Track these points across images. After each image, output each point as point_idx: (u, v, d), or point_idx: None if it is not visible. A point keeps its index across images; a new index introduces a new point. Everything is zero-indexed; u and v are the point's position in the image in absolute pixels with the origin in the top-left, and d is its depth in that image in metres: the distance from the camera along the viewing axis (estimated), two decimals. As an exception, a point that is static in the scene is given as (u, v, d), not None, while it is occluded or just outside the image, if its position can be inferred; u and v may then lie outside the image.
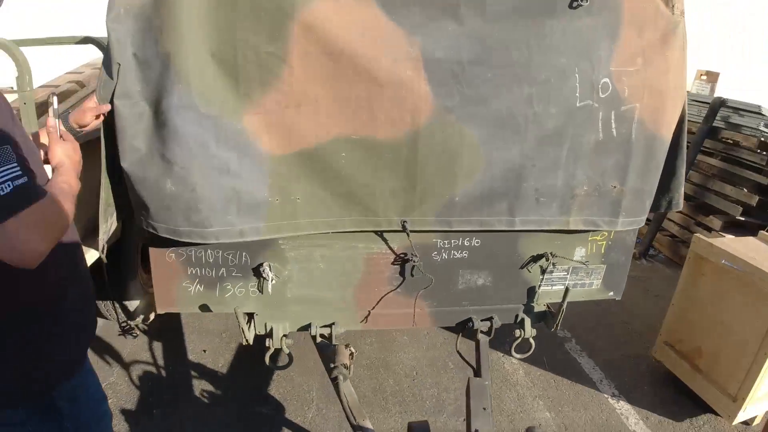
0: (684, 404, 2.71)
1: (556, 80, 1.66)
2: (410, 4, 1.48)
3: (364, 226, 1.67)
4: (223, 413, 2.37)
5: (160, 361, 2.70)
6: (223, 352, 2.81)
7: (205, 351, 2.82)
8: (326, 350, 2.03)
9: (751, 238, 2.88)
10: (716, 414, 2.62)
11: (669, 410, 2.66)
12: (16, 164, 0.93)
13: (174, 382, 2.58)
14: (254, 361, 2.69)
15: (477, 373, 2.00)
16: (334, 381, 1.88)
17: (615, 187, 1.88)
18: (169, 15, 1.36)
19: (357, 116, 1.50)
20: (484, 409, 1.80)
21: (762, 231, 2.95)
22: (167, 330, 2.96)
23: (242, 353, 2.80)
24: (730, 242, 2.83)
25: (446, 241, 1.85)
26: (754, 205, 4.08)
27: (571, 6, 1.63)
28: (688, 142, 2.28)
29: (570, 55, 1.66)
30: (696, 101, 4.84)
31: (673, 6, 1.76)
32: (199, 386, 2.54)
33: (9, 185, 0.90)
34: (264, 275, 1.74)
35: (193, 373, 2.64)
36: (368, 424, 1.71)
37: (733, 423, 2.56)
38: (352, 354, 1.99)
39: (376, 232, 1.76)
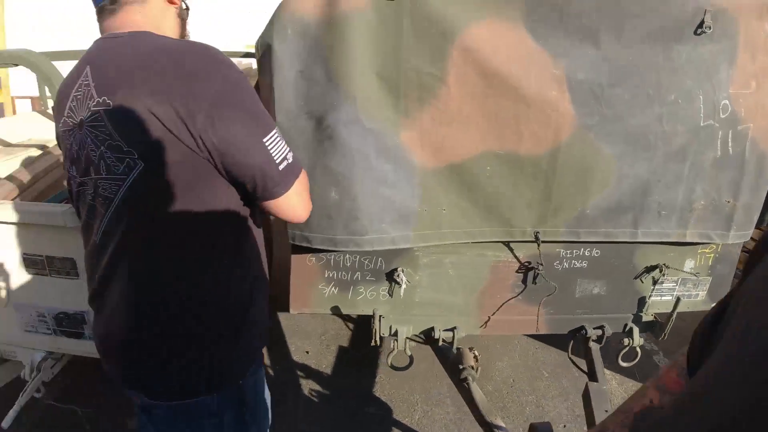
0: None
1: (683, 101, 1.75)
2: (555, 30, 1.61)
3: (500, 237, 1.79)
4: (333, 412, 2.50)
5: (267, 361, 2.86)
6: (325, 353, 2.96)
7: (308, 352, 2.97)
8: (448, 353, 2.14)
9: None
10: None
11: None
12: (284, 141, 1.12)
13: (282, 381, 2.73)
14: (356, 363, 2.82)
15: (592, 377, 2.08)
16: (464, 381, 1.99)
17: (729, 202, 1.95)
18: (340, 37, 1.51)
19: (504, 133, 1.62)
20: (606, 411, 1.88)
21: None
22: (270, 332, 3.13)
23: (343, 355, 2.93)
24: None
25: (569, 251, 1.94)
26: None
27: (695, 33, 1.72)
28: None
29: (695, 77, 1.75)
30: None
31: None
32: (307, 385, 2.69)
33: (290, 156, 1.12)
34: (398, 280, 1.86)
35: (299, 373, 2.78)
36: (501, 423, 1.80)
37: None
38: (476, 356, 2.09)
39: (505, 241, 1.87)
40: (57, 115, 1.15)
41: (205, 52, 1.05)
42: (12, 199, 2.29)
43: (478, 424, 1.97)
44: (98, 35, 1.15)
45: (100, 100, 1.00)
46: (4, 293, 1.79)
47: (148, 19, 1.14)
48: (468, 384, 1.98)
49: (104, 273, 1.12)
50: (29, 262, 1.71)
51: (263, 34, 1.59)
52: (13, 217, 1.63)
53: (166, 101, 0.96)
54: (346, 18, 1.50)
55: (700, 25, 1.73)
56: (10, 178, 2.39)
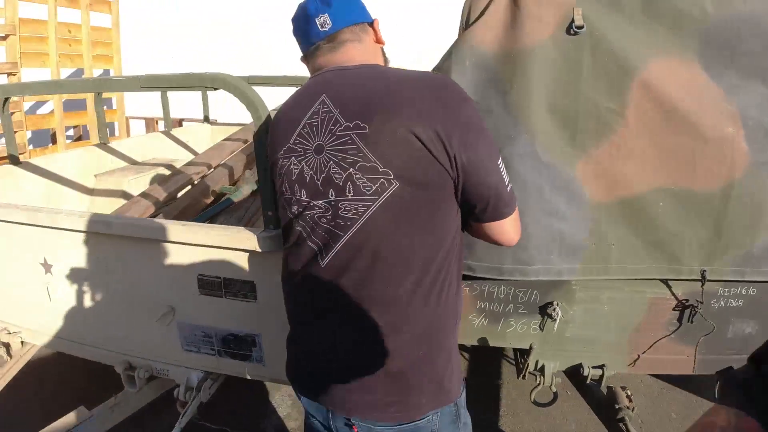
0: None
1: None
2: (728, 68, 1.63)
3: (667, 274, 1.77)
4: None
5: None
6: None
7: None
8: (595, 391, 2.10)
9: None
10: None
11: None
12: None
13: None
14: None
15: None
16: (620, 422, 1.95)
17: None
18: (520, 71, 1.58)
19: (679, 168, 1.63)
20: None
21: None
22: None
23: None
24: None
25: (727, 289, 1.90)
26: None
27: None
28: None
29: None
30: None
31: None
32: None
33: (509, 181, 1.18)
34: (553, 314, 1.86)
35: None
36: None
37: None
38: (629, 396, 2.05)
39: (664, 279, 1.85)
40: (277, 141, 1.21)
41: (453, 84, 1.14)
42: (149, 216, 2.42)
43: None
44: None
45: (351, 125, 1.07)
46: (168, 312, 1.86)
47: (366, 55, 1.24)
48: (626, 425, 1.94)
49: (331, 291, 1.15)
50: (204, 283, 1.74)
51: (440, 65, 1.67)
52: (200, 239, 1.69)
53: (428, 124, 1.04)
54: (527, 52, 1.57)
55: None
56: (144, 195, 2.55)
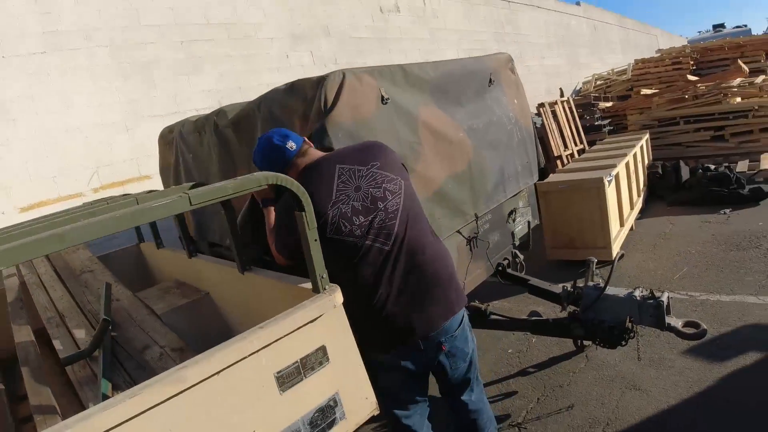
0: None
1: (498, 119, 3.30)
2: (447, 101, 2.93)
3: (462, 224, 3.02)
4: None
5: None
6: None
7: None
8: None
9: (560, 175, 5.07)
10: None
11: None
12: None
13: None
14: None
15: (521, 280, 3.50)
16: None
17: (527, 162, 3.63)
18: (367, 130, 2.53)
19: (449, 162, 2.86)
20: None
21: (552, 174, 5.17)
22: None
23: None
24: (557, 177, 4.96)
25: (483, 220, 3.29)
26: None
27: (489, 84, 3.29)
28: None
29: (497, 106, 3.33)
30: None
31: (513, 70, 3.61)
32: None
33: None
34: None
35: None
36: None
37: (612, 257, 4.42)
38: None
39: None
40: (321, 204, 1.82)
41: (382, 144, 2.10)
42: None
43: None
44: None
45: (369, 166, 1.91)
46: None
47: (314, 153, 2.03)
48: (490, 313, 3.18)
49: (408, 269, 1.89)
50: (283, 378, 1.56)
51: (318, 134, 2.38)
52: (276, 334, 1.56)
53: (399, 161, 2.00)
54: (369, 119, 2.43)
55: (490, 80, 3.31)
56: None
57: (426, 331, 1.92)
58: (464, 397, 2.13)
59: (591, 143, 7.93)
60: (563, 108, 7.45)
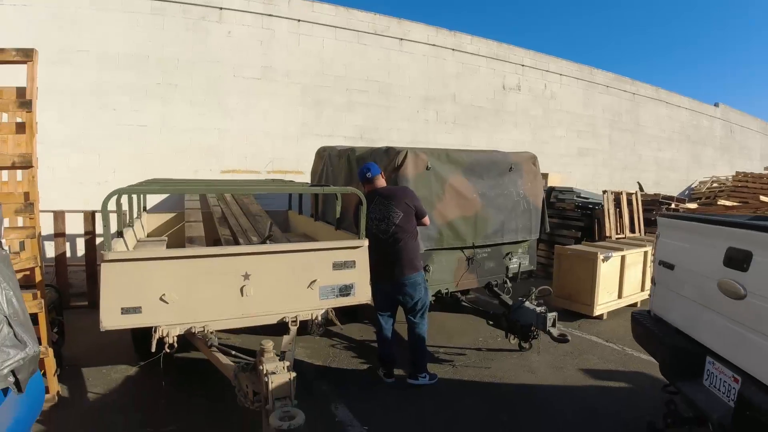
0: (572, 315, 6.49)
1: (508, 192, 5.49)
2: (474, 175, 5.21)
3: (462, 245, 5.25)
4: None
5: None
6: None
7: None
8: (450, 300, 5.47)
9: (578, 245, 6.98)
10: (586, 316, 6.47)
11: (569, 318, 6.39)
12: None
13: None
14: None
15: (504, 303, 5.62)
16: (462, 303, 5.35)
17: (528, 223, 5.75)
18: (421, 182, 4.91)
19: (462, 209, 5.12)
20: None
21: (581, 244, 7.09)
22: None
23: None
24: (569, 246, 6.90)
25: (481, 250, 5.48)
26: (578, 236, 8.33)
27: (509, 170, 5.50)
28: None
29: (511, 184, 5.52)
30: (539, 187, 9.25)
31: (534, 164, 5.76)
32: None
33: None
34: (426, 268, 5.21)
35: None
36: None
37: (593, 314, 6.41)
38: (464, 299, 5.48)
39: (462, 247, 5.34)
40: (371, 209, 4.29)
41: (410, 189, 4.51)
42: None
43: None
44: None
45: (387, 202, 4.34)
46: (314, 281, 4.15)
47: (383, 182, 4.49)
48: (468, 304, 5.36)
49: (391, 248, 4.31)
50: (341, 265, 4.09)
51: (397, 185, 4.86)
52: (336, 245, 4.58)
53: (408, 200, 4.38)
54: (418, 175, 4.85)
55: (510, 168, 5.52)
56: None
57: (397, 277, 4.34)
58: (411, 317, 4.47)
59: (651, 233, 9.44)
60: (625, 199, 9.12)
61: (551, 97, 12.82)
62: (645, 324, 3.50)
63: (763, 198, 10.46)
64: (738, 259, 2.60)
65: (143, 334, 3.95)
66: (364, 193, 4.21)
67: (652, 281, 3.63)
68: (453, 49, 11.16)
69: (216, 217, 6.09)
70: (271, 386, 2.97)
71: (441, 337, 5.69)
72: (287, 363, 3.20)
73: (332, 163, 6.30)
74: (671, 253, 3.35)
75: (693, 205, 11.38)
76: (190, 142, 8.28)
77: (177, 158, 8.13)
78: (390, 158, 4.90)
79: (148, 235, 6.23)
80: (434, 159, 4.99)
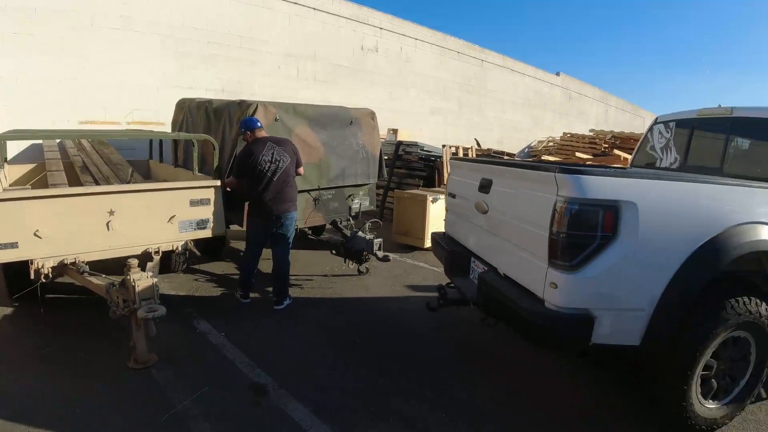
0: (408, 248, 7.81)
1: (349, 143, 6.54)
2: (318, 125, 6.16)
3: (312, 188, 6.25)
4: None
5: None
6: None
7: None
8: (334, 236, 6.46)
9: (414, 190, 8.31)
10: (418, 248, 7.82)
11: (405, 250, 7.69)
12: None
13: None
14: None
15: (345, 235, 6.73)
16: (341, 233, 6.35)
17: (365, 170, 6.89)
18: (277, 129, 5.78)
19: (311, 154, 6.07)
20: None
21: (419, 188, 8.42)
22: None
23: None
24: (405, 191, 8.20)
25: (326, 191, 6.52)
26: (420, 184, 9.72)
27: (350, 124, 6.55)
28: (386, 160, 7.48)
29: (353, 136, 6.58)
30: (390, 143, 10.44)
31: (372, 119, 6.87)
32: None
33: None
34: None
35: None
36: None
37: (424, 246, 7.77)
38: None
39: (309, 189, 6.33)
40: (257, 154, 4.98)
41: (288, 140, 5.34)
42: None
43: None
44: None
45: (279, 148, 5.10)
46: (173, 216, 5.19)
47: (263, 133, 5.28)
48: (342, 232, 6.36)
49: (280, 188, 5.08)
50: (193, 202, 4.89)
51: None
52: (190, 185, 5.32)
53: (294, 149, 5.25)
54: (272, 125, 5.72)
55: (351, 122, 6.58)
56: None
57: (281, 213, 5.16)
58: (281, 249, 5.34)
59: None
60: (462, 153, 10.66)
61: (407, 60, 14.08)
62: (437, 240, 4.74)
63: (578, 154, 12.65)
64: (485, 186, 3.74)
65: (16, 271, 4.53)
66: (248, 141, 5.09)
67: (446, 209, 4.88)
68: (315, 9, 11.84)
69: (77, 167, 6.43)
70: (137, 290, 3.76)
71: (293, 268, 6.68)
72: (150, 273, 4.01)
73: (192, 114, 6.89)
74: (454, 186, 4.54)
75: (522, 159, 13.35)
76: (48, 93, 8.25)
77: (35, 110, 8.10)
78: (242, 110, 5.66)
79: (10, 185, 6.47)
80: (282, 111, 5.85)
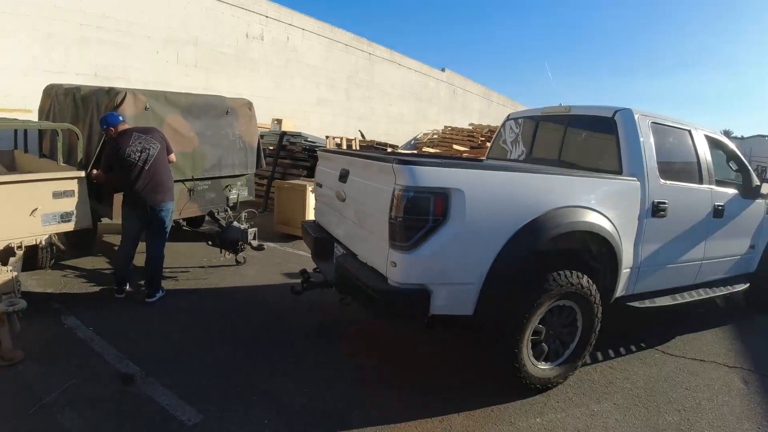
0: (289, 237, 7.94)
1: (226, 132, 6.56)
2: (189, 115, 6.11)
3: (184, 178, 6.19)
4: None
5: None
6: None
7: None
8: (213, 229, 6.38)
9: (294, 180, 8.45)
10: (299, 237, 7.98)
11: (286, 240, 7.82)
12: None
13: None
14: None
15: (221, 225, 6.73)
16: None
17: (239, 162, 6.94)
18: (148, 119, 5.65)
19: (184, 145, 6.02)
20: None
21: (300, 179, 8.57)
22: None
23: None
24: (286, 181, 8.33)
25: (201, 182, 6.48)
26: (304, 174, 9.87)
27: (226, 114, 6.56)
28: (270, 150, 7.54)
29: (229, 126, 6.60)
30: (274, 133, 10.48)
31: (250, 109, 6.92)
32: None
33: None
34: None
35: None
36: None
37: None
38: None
39: (184, 180, 6.27)
40: (123, 147, 4.85)
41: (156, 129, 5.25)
42: None
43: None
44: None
45: (147, 137, 5.00)
46: (36, 209, 4.88)
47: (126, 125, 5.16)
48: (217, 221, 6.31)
49: (152, 178, 4.97)
50: (57, 194, 4.77)
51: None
52: (52, 176, 5.07)
53: (162, 137, 5.17)
54: (139, 115, 5.60)
55: (227, 111, 6.59)
56: None
57: (156, 203, 5.08)
58: (156, 240, 5.25)
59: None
60: (345, 144, 10.95)
61: (294, 50, 14.12)
62: (306, 228, 4.95)
63: (456, 146, 13.42)
64: (343, 176, 4.04)
65: None
66: (113, 136, 4.92)
67: (315, 198, 5.10)
68: (196, -7, 11.57)
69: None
70: (-3, 285, 3.67)
71: (169, 260, 6.58)
72: (10, 267, 3.87)
73: (59, 101, 6.57)
74: (321, 176, 4.79)
75: (406, 151, 13.94)
76: None
77: None
78: (110, 98, 5.52)
79: None
80: (153, 100, 5.76)
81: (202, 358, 4.02)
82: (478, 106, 26.22)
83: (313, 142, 10.71)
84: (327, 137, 10.39)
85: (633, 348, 4.70)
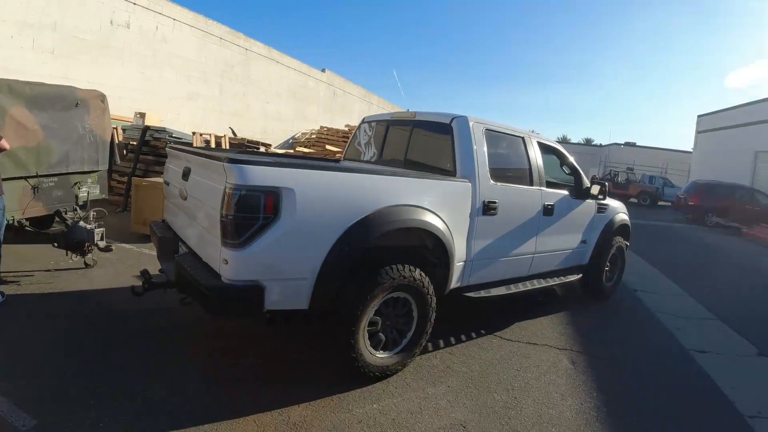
0: (146, 238, 7.65)
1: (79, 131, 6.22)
2: (35, 108, 5.72)
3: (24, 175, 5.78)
4: None
5: None
6: None
7: None
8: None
9: (153, 178, 8.17)
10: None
11: (142, 242, 7.52)
12: None
13: None
14: None
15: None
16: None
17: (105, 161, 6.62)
18: None
19: (26, 139, 5.63)
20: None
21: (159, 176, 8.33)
22: None
23: None
24: (144, 178, 8.04)
25: (48, 179, 6.09)
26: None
27: (76, 106, 6.21)
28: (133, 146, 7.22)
29: (79, 122, 6.25)
30: (137, 128, 10.03)
31: (102, 101, 6.61)
32: None
33: None
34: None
35: None
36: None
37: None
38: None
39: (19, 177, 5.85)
40: None
41: None
42: None
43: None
44: None
45: None
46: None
47: None
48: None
49: None
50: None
51: None
52: None
53: None
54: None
55: (76, 103, 6.24)
56: None
57: None
58: None
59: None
60: (214, 141, 10.75)
61: (163, 40, 13.55)
62: (152, 227, 4.87)
63: (329, 146, 13.66)
64: (186, 174, 3.97)
65: None
66: None
67: (164, 196, 5.02)
68: (49, -28, 10.73)
69: None
70: None
71: (9, 264, 6.11)
72: None
73: None
74: (168, 174, 4.71)
75: (280, 150, 13.95)
76: None
77: None
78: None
79: None
80: (-9, 89, 5.36)
81: (42, 364, 3.86)
82: (358, 107, 26.69)
83: (179, 138, 10.40)
84: (194, 134, 10.11)
85: (473, 335, 5.05)
